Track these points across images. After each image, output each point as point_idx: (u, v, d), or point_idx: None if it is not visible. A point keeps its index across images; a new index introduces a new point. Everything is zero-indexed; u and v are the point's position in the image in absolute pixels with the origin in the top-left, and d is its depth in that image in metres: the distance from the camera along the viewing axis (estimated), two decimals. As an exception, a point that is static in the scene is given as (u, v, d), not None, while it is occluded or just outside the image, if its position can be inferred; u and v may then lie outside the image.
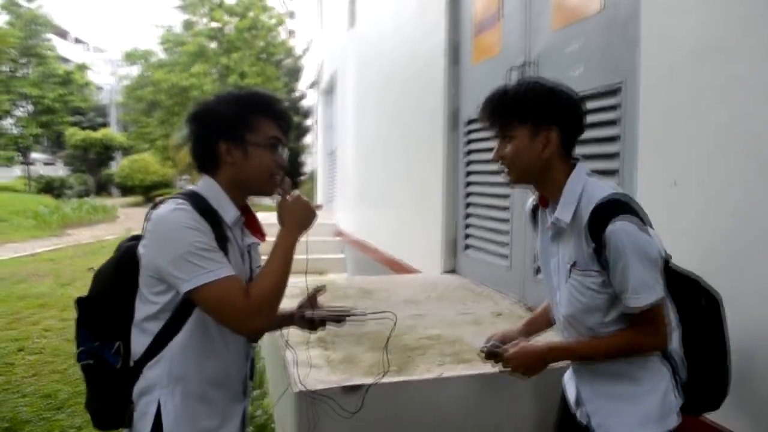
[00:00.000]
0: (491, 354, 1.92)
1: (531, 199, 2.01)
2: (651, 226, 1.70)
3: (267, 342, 4.14)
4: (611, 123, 3.12)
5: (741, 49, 2.28)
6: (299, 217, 1.70)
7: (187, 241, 1.54)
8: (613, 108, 3.10)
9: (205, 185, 1.72)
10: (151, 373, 1.65)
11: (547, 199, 1.83)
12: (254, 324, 1.61)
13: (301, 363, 2.77)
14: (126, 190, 32.58)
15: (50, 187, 30.25)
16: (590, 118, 3.22)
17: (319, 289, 2.04)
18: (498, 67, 4.15)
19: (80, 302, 1.75)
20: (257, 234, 1.83)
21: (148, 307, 1.64)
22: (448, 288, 4.60)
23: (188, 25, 29.14)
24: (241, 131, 1.68)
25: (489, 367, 2.69)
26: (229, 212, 1.70)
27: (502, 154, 1.77)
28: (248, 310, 1.57)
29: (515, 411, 2.68)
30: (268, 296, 1.60)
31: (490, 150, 4.61)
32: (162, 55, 29.68)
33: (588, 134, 3.25)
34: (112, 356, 1.70)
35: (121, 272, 1.71)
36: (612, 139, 3.11)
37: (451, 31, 5.12)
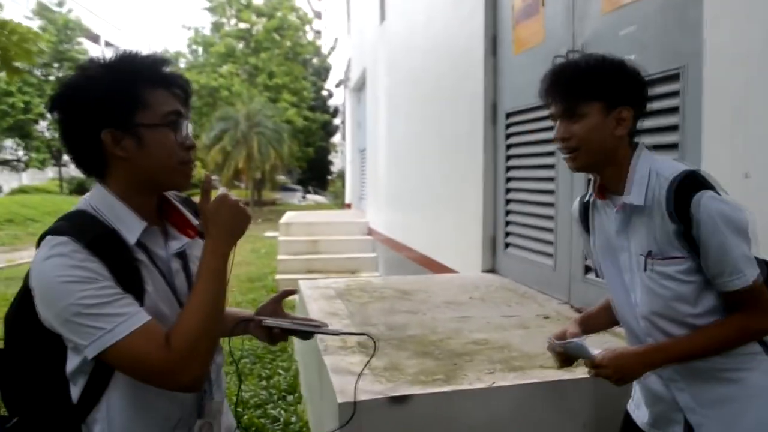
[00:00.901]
0: (568, 358, 1.70)
1: (578, 199, 1.82)
2: None
3: (301, 346, 3.99)
4: (670, 111, 2.90)
5: None
6: (227, 224, 1.32)
7: (71, 301, 1.16)
8: (672, 95, 2.88)
9: (96, 197, 1.32)
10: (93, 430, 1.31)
11: (606, 190, 1.65)
12: (181, 379, 1.23)
13: (342, 370, 2.62)
14: (156, 191, 32.84)
15: (82, 189, 30.62)
16: (647, 107, 3.04)
17: (290, 293, 1.68)
18: (541, 57, 3.94)
19: None
20: (185, 230, 1.43)
21: (74, 358, 1.28)
22: (490, 288, 4.41)
23: (217, 27, 29.32)
24: (128, 112, 1.26)
25: (544, 375, 2.54)
26: (132, 228, 1.30)
27: (569, 134, 1.57)
28: (170, 366, 1.21)
29: (574, 422, 2.49)
30: (195, 341, 1.23)
31: (532, 143, 4.45)
32: (191, 57, 29.87)
33: (645, 123, 3.07)
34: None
35: (27, 313, 1.27)
36: (671, 129, 2.89)
37: (488, 21, 4.93)
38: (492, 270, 5.05)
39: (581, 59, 1.60)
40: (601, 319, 1.85)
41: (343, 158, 17.61)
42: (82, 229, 1.23)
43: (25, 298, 1.27)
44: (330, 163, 35.25)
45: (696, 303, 1.54)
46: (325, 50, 33.66)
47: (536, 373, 2.56)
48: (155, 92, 1.29)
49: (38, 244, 1.25)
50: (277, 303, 1.62)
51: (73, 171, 37.81)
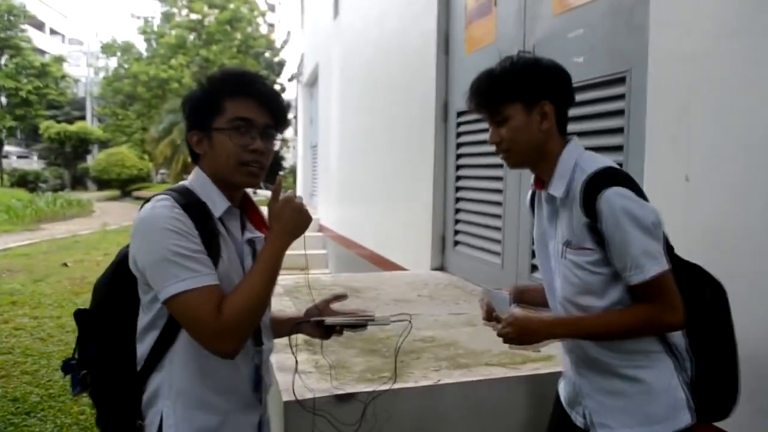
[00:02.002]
0: (490, 314, 1.75)
1: (529, 192, 1.90)
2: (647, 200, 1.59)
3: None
4: (616, 113, 2.96)
5: (763, 33, 2.13)
6: (289, 223, 1.52)
7: (163, 245, 1.39)
8: (618, 98, 2.94)
9: (194, 176, 1.58)
10: (153, 385, 1.52)
11: (543, 180, 1.73)
12: (222, 346, 1.42)
13: (287, 368, 2.58)
14: (102, 184, 32.05)
15: (24, 181, 29.67)
16: (593, 109, 3.10)
17: (340, 297, 1.88)
18: (493, 57, 3.93)
19: (78, 315, 1.61)
20: (261, 227, 1.65)
21: (146, 315, 1.51)
22: (438, 286, 4.43)
23: (167, 17, 28.69)
24: (209, 117, 1.53)
25: (489, 373, 2.57)
26: (218, 204, 1.54)
27: (499, 138, 1.67)
28: (216, 330, 1.39)
29: (518, 418, 2.51)
30: (240, 316, 1.42)
31: (482, 142, 4.48)
32: (141, 47, 29.19)
33: (590, 125, 3.13)
34: (75, 381, 1.58)
35: (117, 281, 1.57)
36: (616, 131, 2.95)
37: (441, 19, 4.94)
38: (441, 268, 5.08)
39: (496, 66, 1.67)
40: (537, 297, 1.90)
41: (295, 153, 17.44)
42: (180, 195, 1.49)
43: (118, 268, 1.56)
44: (282, 158, 34.92)
45: (602, 295, 1.61)
46: (278, 44, 33.33)
47: (482, 371, 2.58)
48: (234, 101, 1.52)
49: (142, 206, 1.50)
50: (326, 305, 1.84)
51: (14, 163, 36.58)
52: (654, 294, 1.55)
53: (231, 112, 1.51)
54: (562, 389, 1.87)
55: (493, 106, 1.64)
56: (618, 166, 1.63)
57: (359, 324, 1.78)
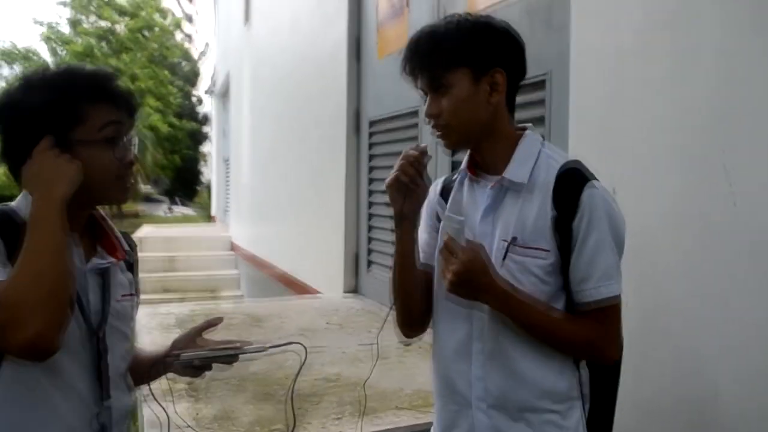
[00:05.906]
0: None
1: (441, 179, 1.55)
2: None
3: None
4: (534, 121, 2.70)
5: (693, 31, 1.96)
6: (40, 176, 1.21)
7: None
8: (536, 104, 2.71)
9: (23, 197, 1.29)
10: None
11: (479, 169, 1.42)
12: (16, 335, 1.11)
13: (159, 424, 2.17)
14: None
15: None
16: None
17: (213, 322, 1.51)
18: (405, 61, 3.71)
19: None
20: (113, 252, 1.36)
21: None
22: (350, 313, 4.11)
23: (74, 23, 27.49)
24: (65, 128, 1.24)
25: (398, 420, 2.24)
26: None
27: (438, 110, 1.35)
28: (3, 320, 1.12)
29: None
30: (22, 296, 1.13)
31: (396, 154, 4.15)
32: (45, 55, 27.83)
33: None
34: None
35: None
36: (537, 140, 2.70)
37: (352, 24, 4.71)
38: (355, 290, 4.75)
39: (441, 23, 1.36)
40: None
41: (210, 169, 16.84)
42: None
43: None
44: (200, 173, 34.01)
45: None
46: (196, 54, 32.49)
47: (389, 418, 2.27)
48: (94, 106, 1.27)
49: None
50: (197, 335, 1.47)
51: None
52: (605, 318, 1.32)
53: (95, 119, 1.26)
54: None
55: (435, 70, 1.35)
56: None
57: (225, 356, 1.40)
